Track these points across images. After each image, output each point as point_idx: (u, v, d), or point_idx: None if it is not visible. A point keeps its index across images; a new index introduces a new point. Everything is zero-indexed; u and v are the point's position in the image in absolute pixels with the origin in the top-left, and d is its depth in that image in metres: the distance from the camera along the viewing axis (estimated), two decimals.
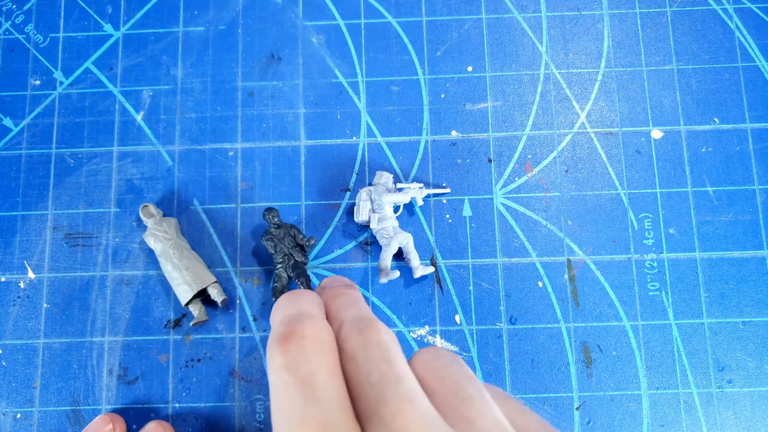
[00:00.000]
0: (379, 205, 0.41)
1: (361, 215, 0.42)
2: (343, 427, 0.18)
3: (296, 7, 0.46)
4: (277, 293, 0.41)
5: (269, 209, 0.41)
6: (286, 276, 0.41)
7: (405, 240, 0.41)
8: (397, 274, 0.41)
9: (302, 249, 0.42)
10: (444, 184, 0.43)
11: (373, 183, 0.43)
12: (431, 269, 0.41)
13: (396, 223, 0.42)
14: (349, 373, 0.20)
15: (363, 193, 0.42)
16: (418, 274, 0.41)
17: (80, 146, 0.44)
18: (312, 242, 0.42)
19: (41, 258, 0.43)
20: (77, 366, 0.41)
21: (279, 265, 0.41)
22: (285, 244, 0.41)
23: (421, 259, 0.42)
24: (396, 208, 0.43)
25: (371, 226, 0.41)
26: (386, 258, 0.41)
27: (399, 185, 0.43)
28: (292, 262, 0.41)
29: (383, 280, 0.40)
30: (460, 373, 0.22)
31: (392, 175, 0.43)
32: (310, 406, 0.18)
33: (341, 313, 0.23)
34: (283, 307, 0.23)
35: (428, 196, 0.43)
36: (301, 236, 0.42)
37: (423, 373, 0.21)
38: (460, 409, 0.20)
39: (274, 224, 0.41)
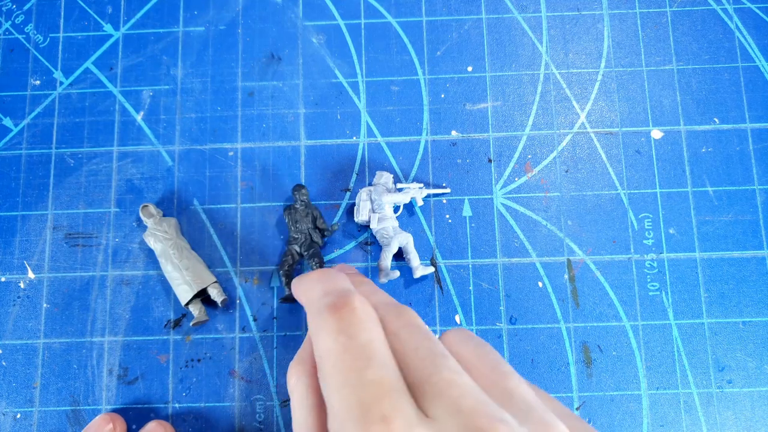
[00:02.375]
0: (379, 205, 0.41)
1: (361, 215, 0.42)
2: (403, 389, 0.19)
3: (296, 7, 0.46)
4: (284, 268, 0.41)
5: (300, 185, 0.42)
6: (297, 254, 0.41)
7: (405, 240, 0.41)
8: (397, 274, 0.41)
9: (321, 232, 0.42)
10: (444, 184, 0.43)
11: (373, 183, 0.43)
12: (431, 269, 0.41)
13: (396, 223, 0.41)
14: (393, 348, 0.21)
15: (363, 193, 0.42)
16: (418, 274, 0.41)
17: (80, 146, 0.44)
18: (335, 228, 0.42)
19: (41, 258, 0.43)
20: (77, 366, 0.41)
21: (293, 242, 0.41)
22: (305, 223, 0.41)
23: (421, 259, 0.42)
24: (396, 208, 0.43)
25: (371, 226, 0.41)
26: (386, 258, 0.41)
27: (399, 185, 0.43)
28: (308, 241, 0.41)
29: (383, 280, 0.40)
30: (494, 352, 0.24)
31: (392, 175, 0.43)
32: (374, 368, 0.19)
33: (370, 298, 0.25)
34: (323, 282, 0.25)
35: (428, 196, 0.43)
36: (321, 220, 0.42)
37: (458, 349, 0.23)
38: (499, 383, 0.21)
39: (301, 201, 0.42)
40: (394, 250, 0.41)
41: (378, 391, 0.19)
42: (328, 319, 0.22)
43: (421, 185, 0.42)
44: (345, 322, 0.21)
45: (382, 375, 0.19)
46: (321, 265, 0.41)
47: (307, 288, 0.25)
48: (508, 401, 0.20)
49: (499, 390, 0.21)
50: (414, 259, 0.41)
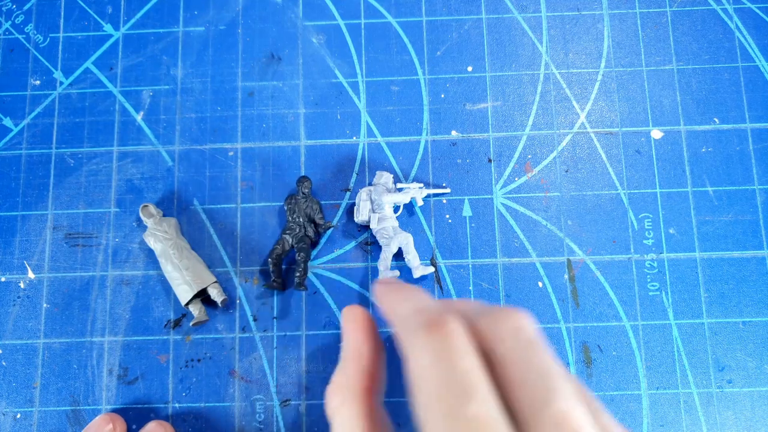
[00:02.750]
0: (379, 205, 0.41)
1: (361, 215, 0.42)
2: (504, 425, 0.18)
3: (296, 7, 0.46)
4: (273, 256, 0.41)
5: (305, 177, 0.42)
6: (289, 244, 0.42)
7: (405, 240, 0.41)
8: (397, 273, 0.41)
9: (316, 227, 0.42)
10: (444, 184, 0.43)
11: (372, 183, 0.43)
12: (431, 269, 0.41)
13: (396, 223, 0.42)
14: (503, 363, 0.20)
15: (363, 193, 0.42)
16: (418, 274, 0.41)
17: (80, 146, 0.44)
18: (328, 225, 0.42)
19: (41, 258, 0.43)
20: (77, 366, 0.41)
21: (288, 232, 0.42)
22: (303, 215, 0.42)
23: (421, 259, 0.42)
24: (396, 208, 0.43)
25: (371, 226, 0.41)
26: (386, 258, 0.41)
27: (399, 185, 0.43)
28: (302, 233, 0.41)
29: (381, 281, 0.40)
30: (576, 380, 0.22)
31: (392, 175, 0.43)
32: (475, 403, 0.19)
33: (461, 306, 0.23)
34: (411, 296, 0.24)
35: (428, 196, 0.43)
36: (319, 215, 0.42)
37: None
38: (597, 418, 0.20)
39: (302, 193, 0.42)
40: (394, 250, 0.41)
41: (480, 427, 0.18)
42: (427, 338, 0.21)
43: (421, 185, 0.42)
44: (442, 345, 0.21)
45: (485, 410, 0.19)
46: (305, 261, 0.41)
47: (396, 301, 0.25)
48: None
49: (598, 425, 0.20)
50: (414, 259, 0.41)
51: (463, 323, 0.22)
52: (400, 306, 0.25)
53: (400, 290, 0.26)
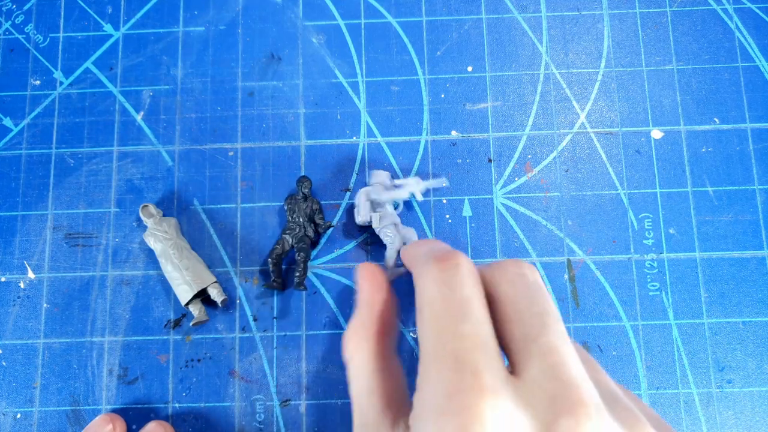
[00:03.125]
0: (379, 204, 0.41)
1: (361, 216, 0.41)
2: (495, 348, 0.20)
3: (296, 7, 0.46)
4: (273, 256, 0.41)
5: (305, 177, 0.42)
6: (289, 244, 0.41)
7: (409, 235, 0.41)
8: (402, 271, 0.40)
9: (316, 227, 0.42)
10: (443, 177, 0.43)
11: (369, 183, 0.43)
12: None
13: (397, 220, 0.41)
14: (504, 301, 0.22)
15: (362, 195, 0.42)
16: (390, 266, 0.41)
17: (80, 146, 0.44)
18: (327, 225, 0.42)
19: (41, 258, 0.43)
20: (77, 366, 0.41)
21: (288, 232, 0.41)
22: (302, 215, 0.42)
23: None
24: (395, 205, 0.43)
25: (373, 226, 0.41)
26: (391, 257, 0.41)
27: (396, 181, 0.42)
28: (301, 233, 0.41)
29: (390, 278, 0.40)
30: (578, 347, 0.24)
31: (388, 173, 0.43)
32: (469, 323, 0.20)
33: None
34: (428, 244, 0.27)
35: (427, 191, 0.43)
36: (319, 215, 0.42)
37: None
38: (588, 371, 0.21)
39: (302, 193, 0.42)
40: (399, 247, 0.41)
41: (471, 345, 0.19)
42: (432, 268, 0.22)
43: (418, 178, 0.42)
44: (448, 274, 0.22)
45: (477, 331, 0.20)
46: (305, 261, 0.41)
47: (416, 247, 0.27)
48: (596, 387, 0.20)
49: (592, 371, 0.21)
50: (390, 259, 0.41)
51: (469, 260, 0.23)
52: (420, 248, 0.26)
53: (424, 240, 0.28)
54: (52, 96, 0.45)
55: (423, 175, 0.44)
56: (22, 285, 0.43)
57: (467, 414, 0.17)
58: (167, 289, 0.42)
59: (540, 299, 0.22)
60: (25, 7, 0.47)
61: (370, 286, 0.29)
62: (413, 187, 0.41)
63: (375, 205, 0.41)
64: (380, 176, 0.42)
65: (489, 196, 0.43)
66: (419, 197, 0.42)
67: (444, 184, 0.43)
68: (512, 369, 0.20)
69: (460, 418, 0.17)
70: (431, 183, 0.42)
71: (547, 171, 0.44)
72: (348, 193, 0.44)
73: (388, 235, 0.41)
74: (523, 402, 0.18)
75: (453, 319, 0.20)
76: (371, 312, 0.27)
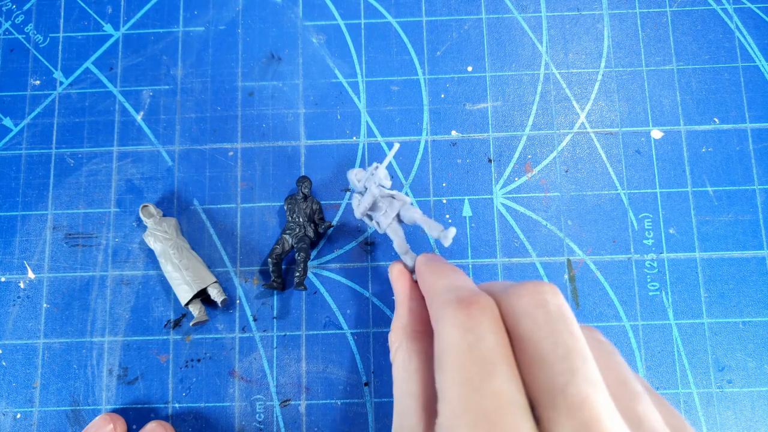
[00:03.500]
0: (374, 205, 0.36)
1: (366, 221, 0.38)
2: (524, 406, 0.18)
3: (296, 7, 0.46)
4: (273, 255, 0.41)
5: (304, 177, 0.42)
6: (289, 244, 0.41)
7: (414, 218, 0.34)
8: (414, 256, 0.34)
9: (316, 227, 0.42)
10: (396, 144, 0.38)
11: (354, 190, 0.38)
12: (453, 230, 0.32)
13: (397, 210, 0.35)
14: (525, 340, 0.20)
15: (355, 202, 0.38)
16: (447, 241, 0.31)
17: (80, 146, 0.44)
18: (327, 225, 0.42)
19: (41, 258, 0.43)
20: (77, 366, 0.41)
21: (288, 232, 0.41)
22: (302, 215, 0.42)
23: None
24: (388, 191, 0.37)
25: (380, 232, 0.36)
26: (403, 251, 0.34)
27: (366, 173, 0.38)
28: (301, 233, 0.41)
29: (410, 262, 0.34)
30: (624, 364, 0.21)
31: (359, 169, 0.38)
32: (498, 379, 0.18)
33: (493, 287, 0.24)
34: (446, 275, 0.25)
35: (390, 167, 0.42)
36: (319, 215, 0.42)
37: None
38: (629, 404, 0.19)
39: (302, 193, 0.42)
40: (401, 241, 0.35)
41: (501, 404, 0.18)
42: (456, 312, 0.21)
43: (375, 165, 0.36)
44: (475, 321, 0.20)
45: (507, 388, 0.18)
46: (305, 261, 0.41)
47: (434, 276, 0.26)
48: (637, 429, 0.18)
49: (628, 413, 0.19)
50: (431, 226, 0.33)
51: (494, 303, 0.21)
52: (438, 281, 0.25)
53: (442, 267, 0.27)
54: (52, 96, 0.45)
55: (424, 176, 0.44)
56: (22, 285, 0.43)
57: None
58: (167, 289, 0.42)
59: (564, 336, 0.19)
60: (25, 7, 0.47)
61: (402, 283, 0.29)
62: (375, 178, 0.36)
63: (372, 208, 0.37)
64: (354, 179, 0.38)
65: (489, 196, 0.43)
66: (387, 183, 0.36)
67: (397, 146, 0.37)
68: (540, 424, 0.18)
69: None
70: (387, 158, 0.36)
71: (547, 171, 0.44)
72: (348, 193, 0.44)
73: (395, 233, 0.35)
74: None
75: (480, 372, 0.19)
76: (407, 306, 0.28)
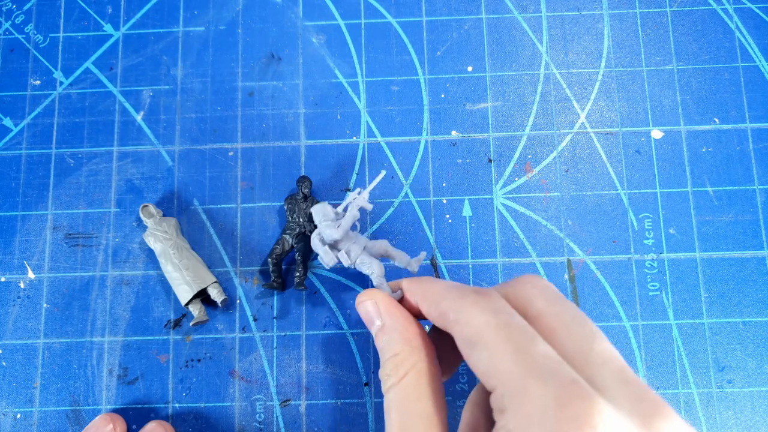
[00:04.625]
0: (336, 241, 0.37)
1: (328, 262, 0.37)
2: (557, 357, 0.21)
3: (296, 7, 0.46)
4: (273, 255, 0.41)
5: (304, 177, 0.42)
6: (289, 244, 0.41)
7: (383, 248, 0.38)
8: (400, 295, 0.34)
9: (316, 227, 0.42)
10: (381, 170, 0.39)
11: (315, 223, 0.39)
12: (423, 255, 0.38)
13: (365, 242, 0.38)
14: (545, 315, 0.24)
15: (316, 242, 0.38)
16: (415, 267, 0.37)
17: (80, 146, 0.44)
18: None
19: (41, 258, 0.43)
20: (77, 366, 0.41)
21: (288, 231, 0.41)
22: (302, 215, 0.42)
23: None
24: (354, 227, 0.39)
25: (346, 265, 0.37)
26: (381, 283, 0.36)
27: (339, 208, 0.39)
28: (301, 233, 0.41)
29: (396, 295, 0.34)
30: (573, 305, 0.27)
31: (324, 203, 0.39)
32: (542, 342, 0.22)
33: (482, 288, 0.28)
34: (437, 282, 0.29)
35: (371, 194, 0.42)
36: None
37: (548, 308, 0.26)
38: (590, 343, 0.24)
39: (302, 193, 0.42)
40: (381, 267, 0.37)
41: (556, 360, 0.21)
42: (479, 299, 0.24)
43: (358, 190, 0.39)
44: (499, 304, 0.24)
45: (549, 350, 0.21)
46: (305, 261, 0.41)
47: (428, 284, 0.28)
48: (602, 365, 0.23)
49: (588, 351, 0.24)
50: (400, 256, 0.38)
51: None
52: (435, 284, 0.28)
53: (427, 277, 0.30)
54: (52, 96, 0.45)
55: (424, 176, 0.44)
56: (22, 285, 0.43)
57: (583, 418, 0.18)
58: (167, 289, 0.42)
59: (573, 307, 0.24)
60: (25, 7, 0.47)
61: (387, 304, 0.30)
62: (358, 201, 0.38)
63: (335, 244, 0.38)
64: (320, 212, 0.38)
65: (489, 196, 0.43)
66: (368, 207, 0.38)
67: (383, 173, 0.39)
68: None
69: (577, 422, 0.18)
70: (372, 184, 0.39)
71: (547, 171, 0.44)
72: (348, 193, 0.44)
73: (365, 263, 0.37)
74: (612, 405, 0.20)
75: (526, 341, 0.21)
76: (405, 329, 0.28)
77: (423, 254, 0.38)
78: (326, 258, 0.37)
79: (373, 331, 0.30)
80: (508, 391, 0.21)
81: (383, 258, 0.39)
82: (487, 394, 0.26)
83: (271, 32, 0.46)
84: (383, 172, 0.39)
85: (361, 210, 0.38)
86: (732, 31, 0.45)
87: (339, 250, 0.38)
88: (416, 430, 0.24)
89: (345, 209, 0.39)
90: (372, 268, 0.37)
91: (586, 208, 0.43)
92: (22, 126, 0.45)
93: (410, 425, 0.25)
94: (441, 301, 0.26)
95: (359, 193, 0.38)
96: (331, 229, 0.37)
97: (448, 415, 0.28)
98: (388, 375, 0.27)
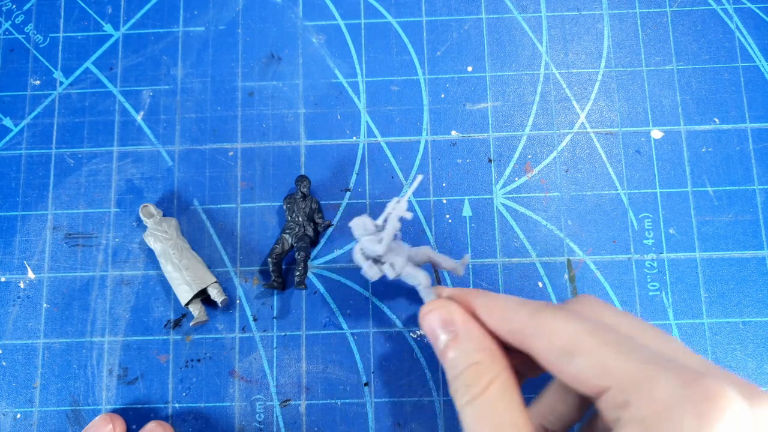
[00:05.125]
0: (379, 256, 0.36)
1: (374, 275, 0.36)
2: (658, 350, 0.24)
3: (296, 7, 0.46)
4: (273, 255, 0.41)
5: (303, 177, 0.42)
6: (289, 244, 0.41)
7: (426, 256, 0.37)
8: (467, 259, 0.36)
9: (316, 226, 0.42)
10: (418, 175, 0.39)
11: (355, 238, 0.37)
12: (467, 258, 0.37)
13: (408, 250, 0.37)
14: (620, 324, 0.27)
15: (358, 256, 0.37)
16: (461, 271, 0.37)
17: (80, 146, 0.44)
18: (326, 224, 0.42)
19: (41, 258, 0.43)
20: (77, 366, 0.41)
21: (287, 231, 0.41)
22: (301, 214, 0.41)
23: None
24: (395, 236, 0.37)
25: (391, 278, 0.36)
26: (428, 294, 0.35)
27: (379, 220, 0.37)
28: (301, 233, 0.41)
29: (432, 298, 0.35)
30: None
31: (365, 216, 0.37)
32: (636, 341, 0.24)
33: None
34: (499, 296, 0.30)
35: (409, 202, 0.40)
36: (318, 214, 0.42)
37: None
38: None
39: (301, 192, 0.42)
40: (426, 282, 0.36)
41: (658, 354, 0.22)
42: (557, 311, 0.25)
43: (397, 199, 0.37)
44: (578, 314, 0.25)
45: (648, 345, 0.23)
46: (305, 260, 0.41)
47: (497, 300, 0.29)
48: None
49: None
50: (445, 261, 0.37)
51: None
52: (499, 302, 0.28)
53: (484, 293, 0.30)
54: (52, 96, 0.45)
55: (424, 177, 0.43)
56: (22, 285, 0.43)
57: (714, 394, 0.20)
58: (167, 289, 0.42)
59: (637, 317, 0.28)
60: (25, 7, 0.47)
61: (461, 314, 0.29)
62: (397, 211, 0.36)
63: (377, 258, 0.36)
64: (360, 226, 0.36)
65: (489, 196, 0.43)
66: (408, 215, 0.37)
67: (420, 178, 0.38)
68: None
69: (710, 399, 0.20)
70: (410, 192, 0.37)
71: (547, 171, 0.44)
72: (348, 193, 0.44)
73: (411, 275, 0.36)
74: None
75: (625, 340, 0.23)
76: (482, 337, 0.28)
77: (467, 257, 0.37)
78: (370, 272, 0.36)
79: (441, 343, 0.29)
80: (628, 385, 0.22)
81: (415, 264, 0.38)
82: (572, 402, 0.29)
83: (271, 32, 0.46)
84: (420, 177, 0.38)
85: (401, 219, 0.36)
86: (732, 31, 0.45)
87: (383, 263, 0.36)
88: None
89: (384, 221, 0.36)
90: (418, 279, 0.35)
91: (586, 208, 0.43)
92: (22, 126, 0.45)
93: None
94: (512, 316, 0.27)
95: (397, 203, 0.36)
96: (374, 245, 0.35)
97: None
98: (467, 386, 0.26)
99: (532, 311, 0.26)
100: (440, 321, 0.29)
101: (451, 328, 0.29)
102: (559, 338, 0.24)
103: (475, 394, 0.26)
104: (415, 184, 0.37)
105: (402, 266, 0.36)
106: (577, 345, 0.23)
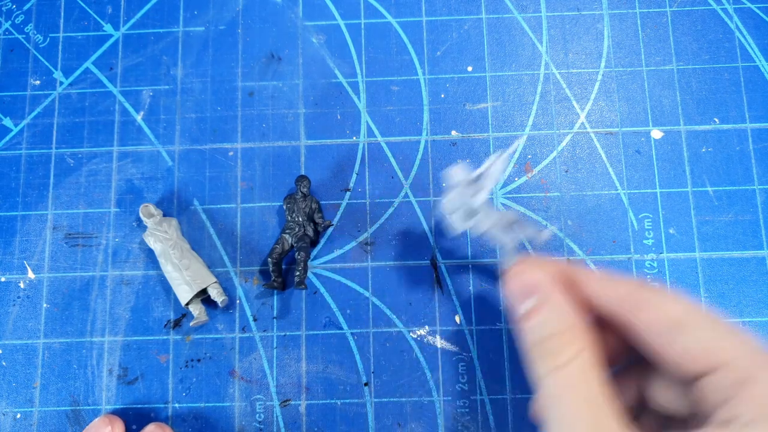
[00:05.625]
0: (473, 209, 0.34)
1: (460, 227, 0.35)
2: None
3: (296, 7, 0.46)
4: (273, 255, 0.41)
5: (303, 176, 0.42)
6: (289, 244, 0.41)
7: (512, 219, 0.34)
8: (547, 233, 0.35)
9: (316, 226, 0.42)
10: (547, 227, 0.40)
11: (447, 186, 0.35)
12: (550, 231, 0.36)
13: (496, 213, 0.35)
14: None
15: (449, 204, 0.35)
16: (542, 239, 0.35)
17: (80, 146, 0.44)
18: (327, 224, 0.42)
19: (41, 258, 0.43)
20: (77, 366, 0.41)
21: (287, 231, 0.41)
22: (301, 214, 0.41)
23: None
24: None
25: (477, 233, 0.35)
26: (512, 253, 0.34)
27: (476, 173, 0.35)
28: (301, 233, 0.41)
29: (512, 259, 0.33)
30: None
31: (462, 163, 0.36)
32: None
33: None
34: (611, 276, 0.29)
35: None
36: (318, 214, 0.42)
37: None
38: None
39: (301, 192, 0.42)
40: (513, 240, 0.35)
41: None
42: (657, 289, 0.25)
43: (499, 153, 0.34)
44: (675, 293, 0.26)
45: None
46: (305, 260, 0.41)
47: (595, 275, 0.28)
48: None
49: None
50: (528, 228, 0.35)
51: None
52: (596, 276, 0.28)
53: (577, 267, 0.29)
54: (52, 96, 0.45)
55: (423, 176, 0.43)
56: (22, 285, 0.43)
57: None
58: (167, 289, 0.42)
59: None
60: (25, 7, 0.47)
61: (547, 280, 0.28)
62: (497, 165, 0.34)
63: (467, 211, 0.35)
64: (459, 174, 0.35)
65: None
66: (503, 173, 0.34)
67: (523, 137, 0.36)
68: None
69: None
70: (510, 149, 0.35)
71: (547, 171, 0.44)
72: (348, 193, 0.44)
73: (499, 234, 0.35)
74: None
75: (728, 322, 0.24)
76: (567, 309, 0.27)
77: (548, 231, 0.37)
78: (458, 223, 0.35)
79: (526, 305, 0.27)
80: (752, 363, 0.22)
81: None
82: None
83: (271, 32, 0.46)
84: (523, 138, 0.38)
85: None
86: (732, 31, 0.45)
87: (471, 218, 0.34)
88: (609, 416, 0.23)
89: (480, 176, 0.34)
90: (505, 240, 0.34)
91: (586, 208, 0.43)
92: (22, 126, 0.45)
93: (599, 411, 0.23)
94: (617, 285, 0.26)
95: (498, 157, 0.34)
96: (467, 197, 0.34)
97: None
98: (552, 354, 0.25)
99: (639, 283, 0.26)
100: (531, 284, 0.28)
101: (541, 292, 0.27)
102: (673, 310, 0.24)
103: (560, 363, 0.24)
104: (519, 143, 0.38)
105: (494, 222, 0.34)
106: (690, 319, 0.23)
